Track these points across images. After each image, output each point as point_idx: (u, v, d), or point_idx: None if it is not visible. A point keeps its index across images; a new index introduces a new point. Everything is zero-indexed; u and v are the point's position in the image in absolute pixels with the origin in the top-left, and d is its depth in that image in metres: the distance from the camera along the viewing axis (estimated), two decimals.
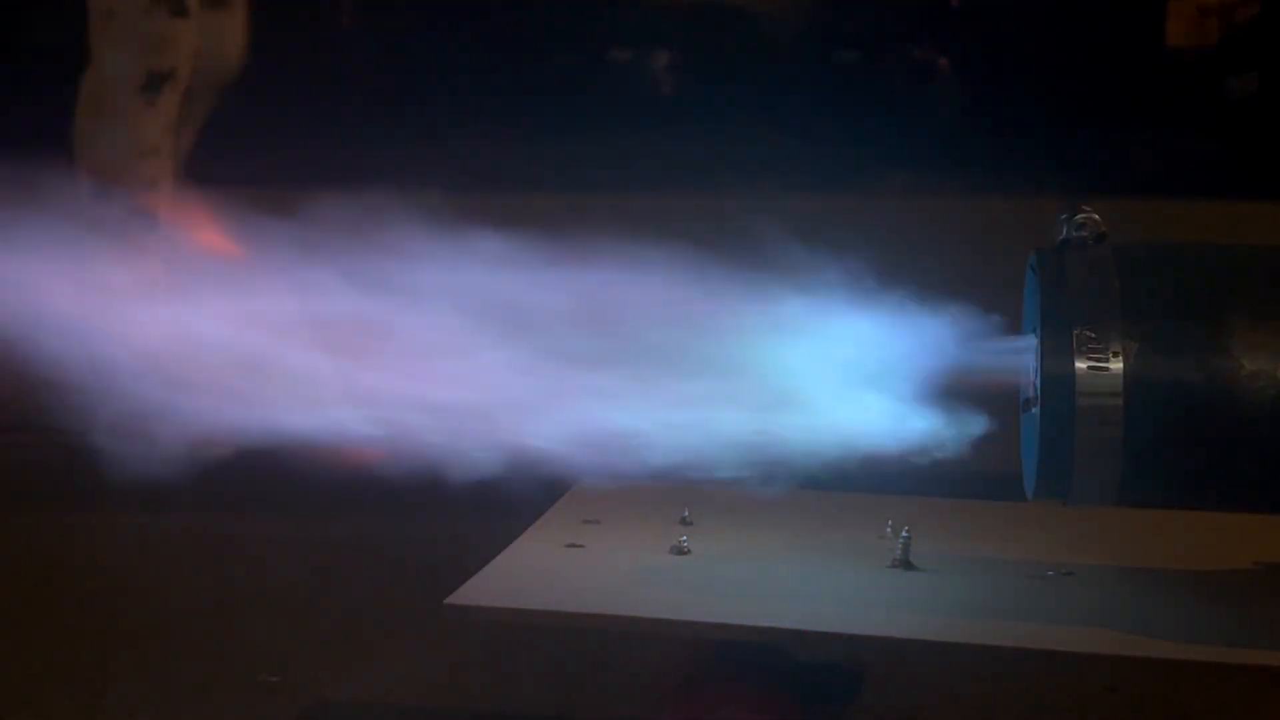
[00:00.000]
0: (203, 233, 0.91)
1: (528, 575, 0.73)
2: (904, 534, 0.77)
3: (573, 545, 0.77)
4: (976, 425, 0.72)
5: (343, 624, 1.08)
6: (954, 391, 0.72)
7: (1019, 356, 0.70)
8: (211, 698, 0.93)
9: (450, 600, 0.68)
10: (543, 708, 0.92)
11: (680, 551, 0.77)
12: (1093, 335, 0.65)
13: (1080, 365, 0.65)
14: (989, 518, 0.86)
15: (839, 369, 0.73)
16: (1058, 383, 0.65)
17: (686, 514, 0.82)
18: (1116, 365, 0.65)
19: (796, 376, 0.73)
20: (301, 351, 0.80)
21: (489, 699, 0.93)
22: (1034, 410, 0.68)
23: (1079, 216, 0.68)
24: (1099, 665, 0.65)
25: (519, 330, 0.76)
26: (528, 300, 0.76)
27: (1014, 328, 0.72)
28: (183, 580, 1.19)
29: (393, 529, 1.37)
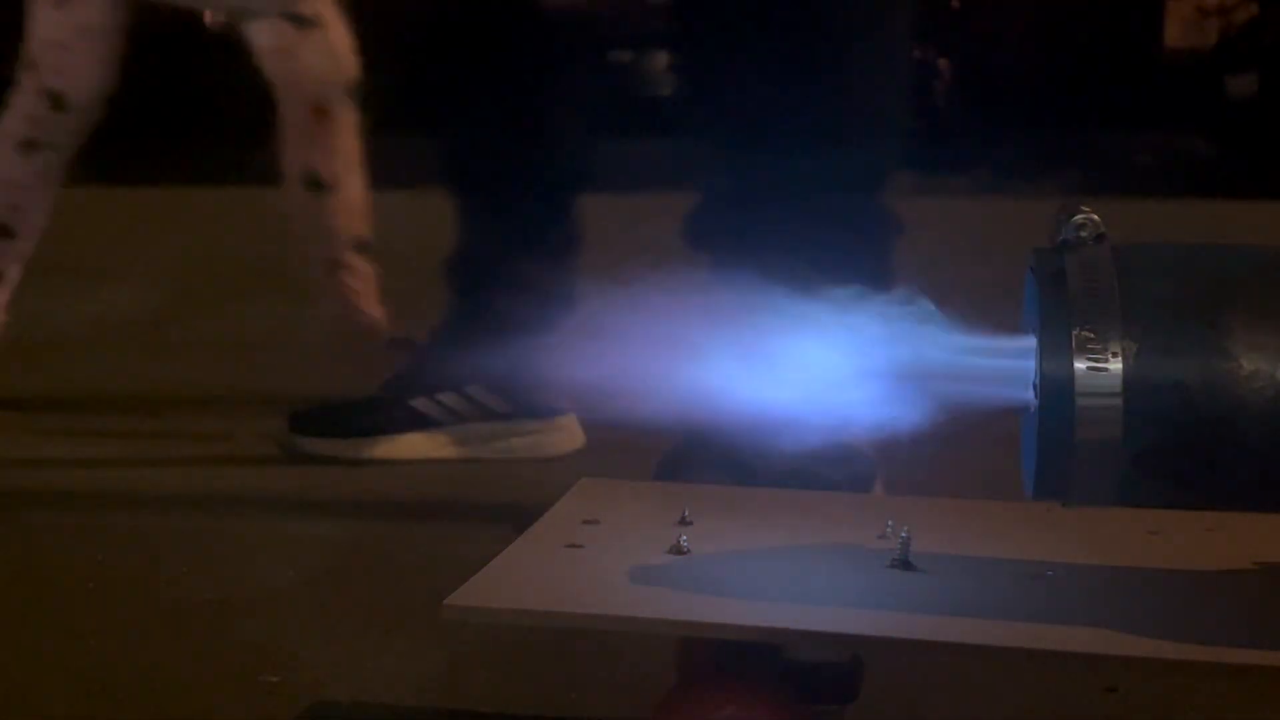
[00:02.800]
0: None
1: (527, 575, 0.73)
2: (904, 534, 0.77)
3: (572, 545, 0.77)
4: None
5: (342, 623, 1.08)
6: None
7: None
8: (211, 697, 0.93)
9: (449, 601, 0.68)
10: (542, 708, 0.92)
11: (680, 551, 0.77)
12: (1092, 336, 0.65)
13: (1079, 366, 0.65)
14: (989, 518, 0.86)
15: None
16: (1057, 383, 0.65)
17: (686, 514, 0.82)
18: (1116, 366, 0.65)
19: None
20: None
21: (488, 699, 0.93)
22: (1033, 410, 0.68)
23: (1079, 217, 0.68)
24: (1099, 665, 0.65)
25: None
26: None
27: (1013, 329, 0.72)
28: (185, 576, 1.19)
29: (390, 529, 1.37)
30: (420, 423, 1.67)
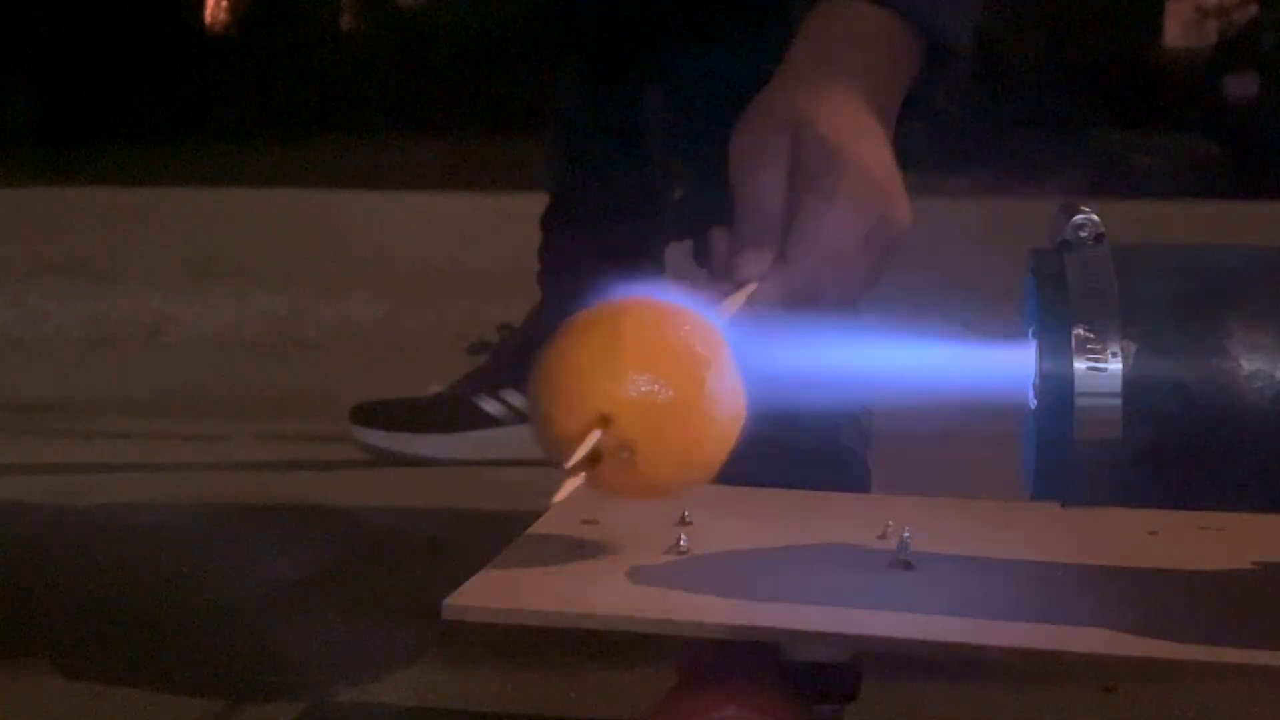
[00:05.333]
0: None
1: (527, 575, 0.73)
2: (904, 534, 0.77)
3: (572, 545, 0.77)
4: None
5: (342, 623, 1.08)
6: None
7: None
8: (211, 698, 0.93)
9: (449, 601, 0.68)
10: (542, 708, 0.92)
11: (680, 551, 0.77)
12: (1091, 335, 0.65)
13: (1079, 365, 0.65)
14: (989, 518, 0.86)
15: None
16: (1056, 383, 0.65)
17: (686, 514, 0.82)
18: (1115, 365, 0.65)
19: None
20: None
21: (488, 699, 0.93)
22: (1033, 410, 0.68)
23: (1078, 217, 0.68)
24: (1098, 665, 0.65)
25: None
26: None
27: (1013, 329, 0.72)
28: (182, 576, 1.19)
29: (390, 529, 1.38)
30: (484, 421, 1.65)
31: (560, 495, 0.67)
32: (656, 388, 0.67)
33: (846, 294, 0.87)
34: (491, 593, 0.70)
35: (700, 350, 0.69)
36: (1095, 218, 0.68)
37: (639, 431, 0.67)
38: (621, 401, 0.67)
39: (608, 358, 0.68)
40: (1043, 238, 0.70)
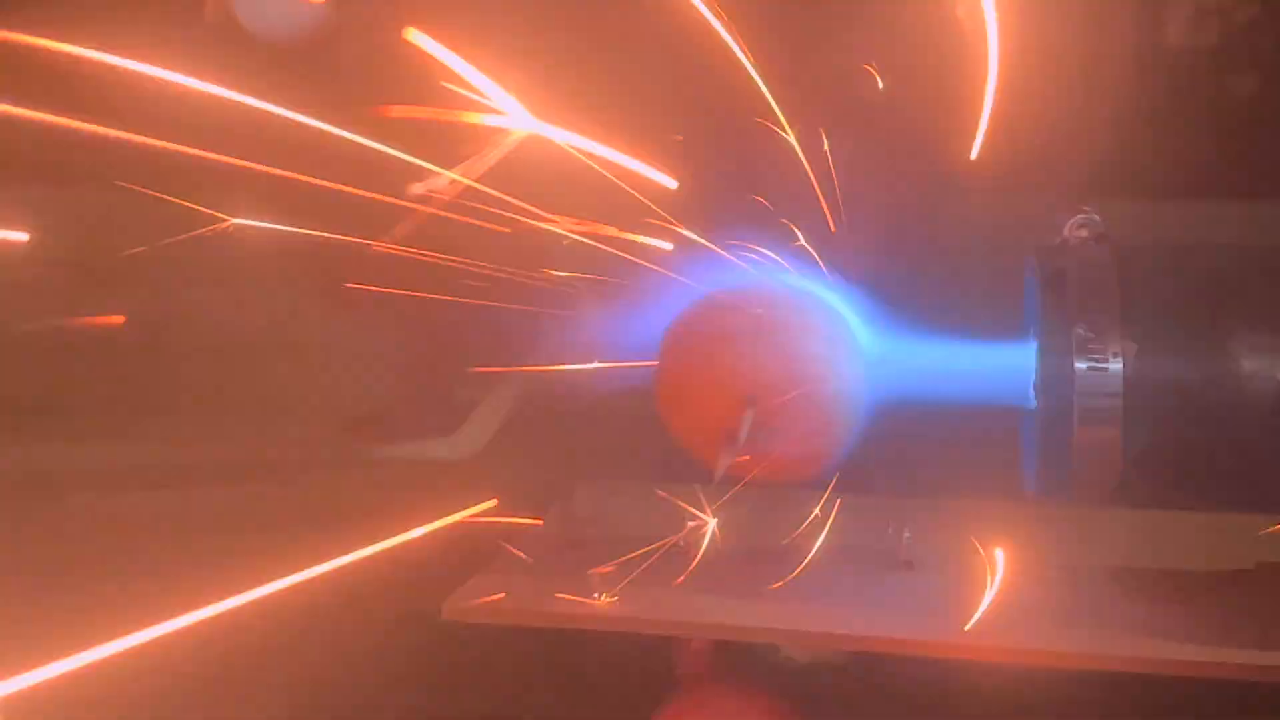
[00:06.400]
0: None
1: (526, 577, 0.73)
2: (905, 534, 0.77)
3: (573, 545, 0.77)
4: None
5: (342, 623, 1.08)
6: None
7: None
8: (212, 698, 0.93)
9: (449, 601, 0.68)
10: (542, 709, 0.92)
11: (680, 551, 0.77)
12: (1092, 335, 0.65)
13: (1079, 365, 0.65)
14: (989, 518, 0.86)
15: None
16: (1057, 383, 0.65)
17: (687, 514, 0.82)
18: (1116, 365, 0.65)
19: None
20: None
21: (488, 700, 0.93)
22: (1033, 410, 0.68)
23: (1079, 217, 0.68)
24: (1100, 665, 0.65)
25: None
26: None
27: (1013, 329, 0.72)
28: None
29: (390, 529, 1.37)
30: None
31: (718, 472, 0.69)
32: (798, 371, 0.68)
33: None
34: (491, 593, 0.70)
35: (831, 340, 0.70)
36: (1095, 218, 0.68)
37: (779, 413, 0.68)
38: (766, 384, 0.68)
39: (753, 343, 0.69)
40: (1043, 238, 0.70)
